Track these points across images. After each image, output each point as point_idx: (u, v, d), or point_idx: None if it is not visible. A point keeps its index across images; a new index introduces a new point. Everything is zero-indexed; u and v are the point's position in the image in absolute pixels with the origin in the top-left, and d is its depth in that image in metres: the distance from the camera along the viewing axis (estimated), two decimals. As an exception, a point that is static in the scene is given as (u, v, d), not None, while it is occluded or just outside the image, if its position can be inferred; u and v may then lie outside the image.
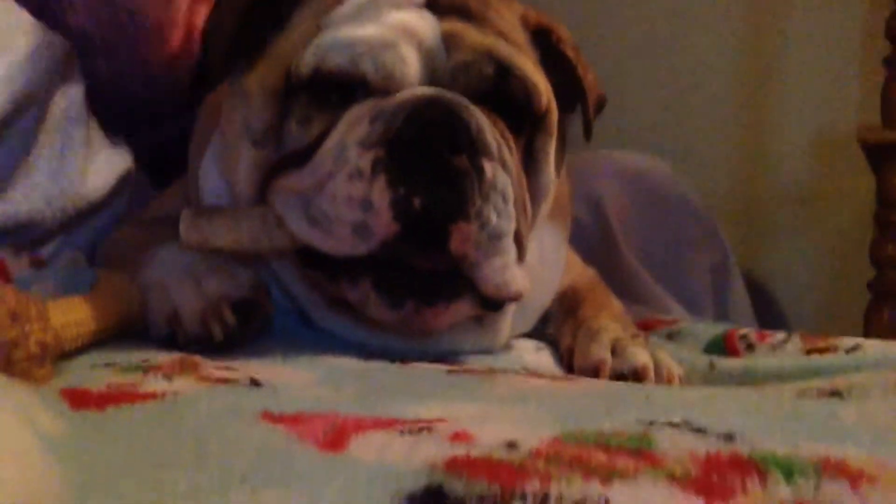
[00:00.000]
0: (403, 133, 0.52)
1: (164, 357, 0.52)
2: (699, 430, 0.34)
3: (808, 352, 0.69)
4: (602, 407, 0.42)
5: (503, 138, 0.57)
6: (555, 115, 0.62)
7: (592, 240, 1.05)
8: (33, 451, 0.31)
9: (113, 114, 0.82)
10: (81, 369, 0.49)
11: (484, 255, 0.54)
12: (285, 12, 0.60)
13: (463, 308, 0.56)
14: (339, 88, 0.56)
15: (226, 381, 0.46)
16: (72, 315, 0.51)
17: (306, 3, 0.60)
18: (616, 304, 0.77)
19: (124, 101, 0.90)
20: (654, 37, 1.61)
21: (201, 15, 0.93)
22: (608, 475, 0.30)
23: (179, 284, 0.57)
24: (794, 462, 0.31)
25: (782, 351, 0.72)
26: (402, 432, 0.35)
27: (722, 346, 0.76)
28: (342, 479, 0.30)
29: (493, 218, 0.53)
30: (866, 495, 0.29)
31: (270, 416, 0.38)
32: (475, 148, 0.53)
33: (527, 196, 0.60)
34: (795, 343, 0.72)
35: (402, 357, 0.60)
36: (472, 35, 0.57)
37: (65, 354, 0.50)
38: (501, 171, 0.55)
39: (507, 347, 0.69)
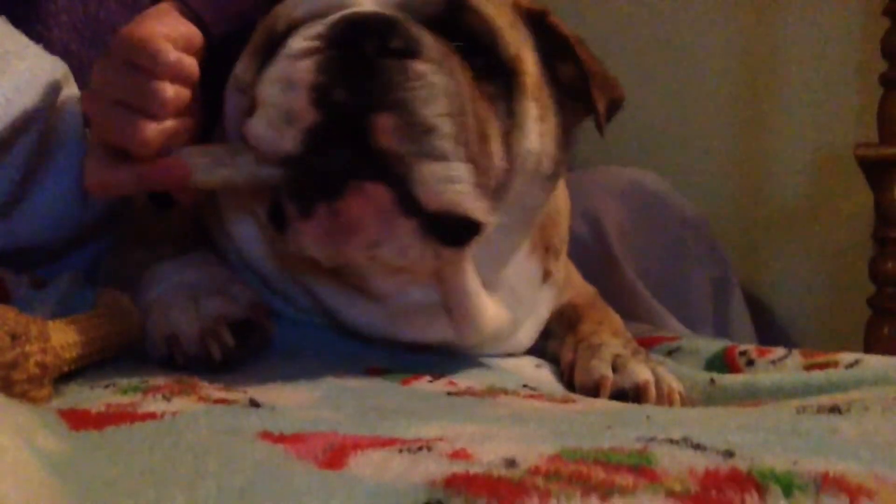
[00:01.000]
0: (339, 32, 0.53)
1: (162, 378, 0.52)
2: (699, 447, 0.34)
3: (808, 367, 0.69)
4: (602, 425, 0.42)
5: (458, 67, 0.55)
6: (533, 79, 0.61)
7: (591, 256, 1.06)
8: (33, 469, 0.31)
9: None
10: (80, 390, 0.49)
11: (415, 152, 0.51)
12: None
13: (378, 194, 0.51)
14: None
15: (225, 401, 0.46)
16: (72, 336, 0.51)
17: None
18: (616, 320, 0.77)
19: None
20: (652, 54, 1.62)
21: None
22: (607, 491, 0.30)
23: (178, 305, 0.57)
24: (794, 478, 0.30)
25: (782, 366, 0.72)
26: (401, 450, 0.35)
27: (722, 363, 0.76)
28: (341, 497, 0.30)
29: (422, 110, 0.51)
30: (866, 511, 0.29)
31: (269, 437, 0.38)
32: (409, 50, 0.52)
33: (494, 133, 0.57)
34: (795, 359, 0.72)
35: (402, 370, 0.60)
36: None
37: (64, 375, 0.50)
38: (441, 74, 0.53)
39: (507, 366, 0.69)
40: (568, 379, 0.69)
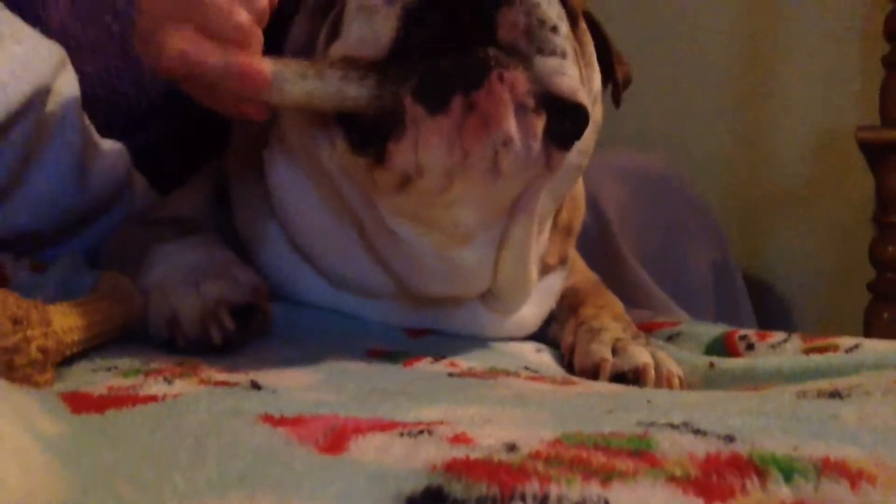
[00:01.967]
0: None
1: (164, 360, 0.52)
2: (699, 432, 0.34)
3: (808, 351, 0.69)
4: (602, 409, 0.42)
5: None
6: (582, 22, 0.61)
7: (591, 239, 1.06)
8: (34, 454, 0.31)
9: (102, 115, 0.82)
10: (82, 373, 0.49)
11: (537, 48, 0.51)
12: None
13: (518, 81, 0.50)
14: None
15: (226, 384, 0.46)
16: (73, 319, 0.51)
17: None
18: (617, 304, 0.78)
19: (114, 102, 0.90)
20: (653, 36, 1.62)
21: None
22: (608, 476, 0.30)
23: (178, 288, 0.57)
24: (794, 462, 0.31)
25: (782, 350, 0.72)
26: (401, 434, 0.35)
27: (722, 347, 0.76)
28: (341, 481, 0.30)
29: (545, 8, 0.52)
30: (866, 496, 0.29)
31: (270, 419, 0.38)
32: None
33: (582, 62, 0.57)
34: (795, 343, 0.72)
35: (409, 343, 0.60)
36: None
37: (66, 358, 0.50)
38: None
39: (508, 349, 0.70)
40: (568, 362, 0.69)
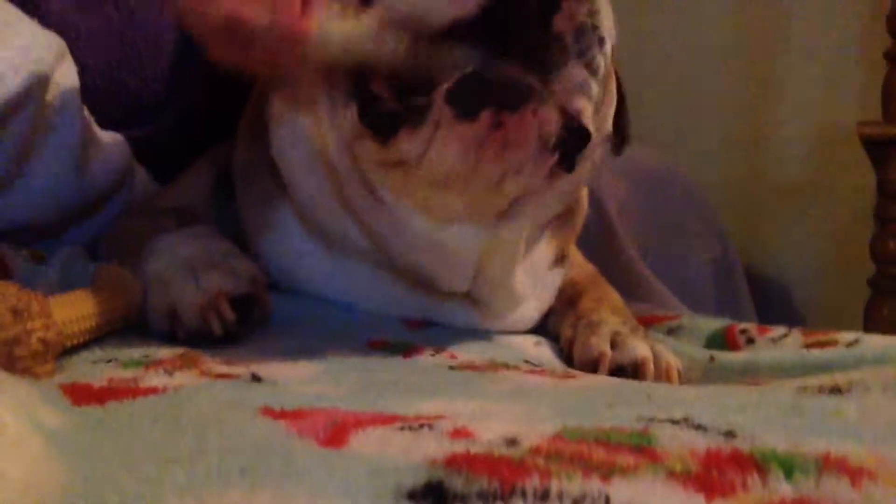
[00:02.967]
0: None
1: (165, 352, 0.52)
2: (700, 427, 0.34)
3: (808, 346, 0.69)
4: (603, 403, 0.42)
5: None
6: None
7: (591, 233, 1.05)
8: (35, 445, 0.31)
9: (103, 107, 0.82)
10: (83, 365, 0.49)
11: (580, 48, 0.51)
12: None
13: (549, 120, 0.51)
14: None
15: (227, 376, 0.46)
16: (74, 311, 0.51)
17: None
18: (615, 297, 0.77)
19: (114, 93, 0.89)
20: (654, 31, 1.61)
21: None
22: (608, 471, 0.30)
23: (178, 279, 0.57)
24: (795, 458, 0.31)
25: (782, 345, 0.72)
26: (402, 428, 0.35)
27: (723, 341, 0.76)
28: (342, 475, 0.30)
29: (602, 13, 0.52)
30: (867, 492, 0.29)
31: (271, 412, 0.38)
32: None
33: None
34: (795, 337, 0.72)
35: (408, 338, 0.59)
36: None
37: (66, 350, 0.50)
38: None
39: (508, 342, 0.70)
40: (567, 355, 0.69)
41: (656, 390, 0.49)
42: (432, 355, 0.60)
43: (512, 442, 0.33)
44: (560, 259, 0.74)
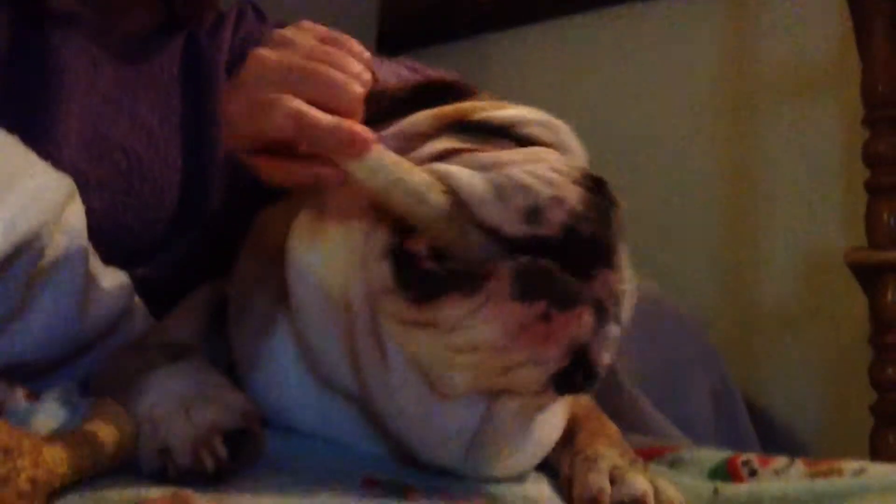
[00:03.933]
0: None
1: (155, 491, 0.51)
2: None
3: (812, 476, 0.68)
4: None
5: None
6: None
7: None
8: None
9: (106, 248, 0.84)
10: (71, 506, 0.48)
11: (614, 314, 0.55)
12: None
13: (584, 332, 0.54)
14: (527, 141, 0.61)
15: (218, 515, 0.45)
16: (65, 451, 0.50)
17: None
18: (613, 429, 0.76)
19: (118, 236, 0.92)
20: (639, 162, 1.67)
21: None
22: None
23: (169, 416, 0.57)
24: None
25: (786, 476, 0.70)
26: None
27: (725, 473, 0.75)
28: None
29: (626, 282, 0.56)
30: None
31: (262, 552, 0.37)
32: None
33: None
34: (799, 467, 0.71)
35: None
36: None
37: (54, 490, 0.49)
38: None
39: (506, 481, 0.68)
40: (567, 494, 0.67)
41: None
42: (429, 497, 0.58)
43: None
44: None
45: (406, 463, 0.64)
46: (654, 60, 1.72)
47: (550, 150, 0.59)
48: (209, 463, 0.55)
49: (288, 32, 0.60)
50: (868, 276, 1.27)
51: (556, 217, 0.52)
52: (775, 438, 1.47)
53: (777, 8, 1.61)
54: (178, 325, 0.77)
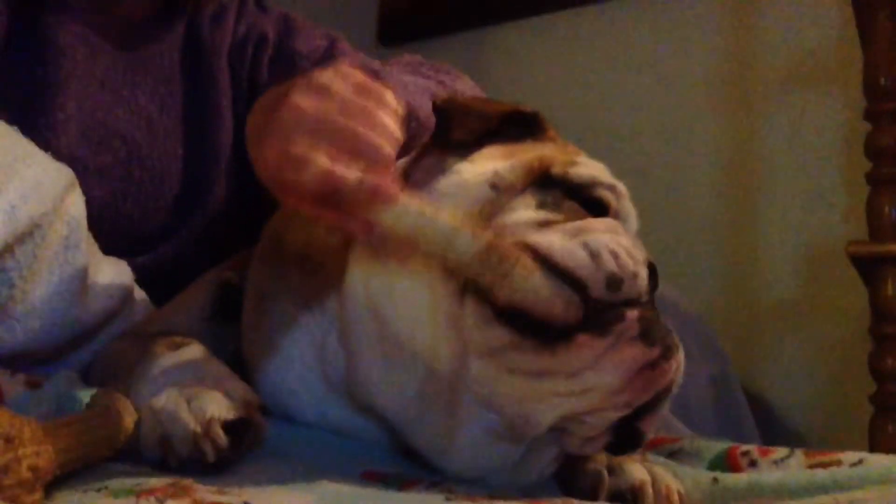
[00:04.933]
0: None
1: (156, 481, 0.51)
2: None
3: (812, 467, 0.68)
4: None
5: None
6: None
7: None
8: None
9: (106, 236, 0.84)
10: (72, 494, 0.48)
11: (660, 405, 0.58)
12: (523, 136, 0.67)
13: (672, 382, 0.58)
14: (598, 204, 0.63)
15: None
16: (66, 438, 0.51)
17: (544, 136, 0.68)
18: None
19: (118, 224, 0.92)
20: (641, 158, 1.67)
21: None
22: None
23: (169, 405, 0.57)
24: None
25: (785, 467, 0.70)
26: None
27: (725, 463, 0.75)
28: None
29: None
30: None
31: (262, 539, 0.37)
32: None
33: None
34: (798, 458, 0.71)
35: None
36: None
37: (55, 478, 0.49)
38: None
39: None
40: (566, 483, 0.67)
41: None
42: (427, 488, 0.58)
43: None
44: None
45: (408, 456, 0.64)
46: (653, 53, 1.71)
47: (618, 224, 0.61)
48: (210, 452, 0.55)
49: (325, 78, 0.60)
50: (869, 268, 1.27)
51: (633, 290, 0.55)
52: (775, 428, 1.48)
53: (778, 0, 1.60)
54: (179, 314, 0.77)
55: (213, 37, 1.01)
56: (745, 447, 0.77)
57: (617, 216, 0.62)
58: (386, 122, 0.59)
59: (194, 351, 0.66)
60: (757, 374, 1.55)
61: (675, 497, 0.61)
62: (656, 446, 0.82)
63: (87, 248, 0.77)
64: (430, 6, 2.03)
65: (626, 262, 0.56)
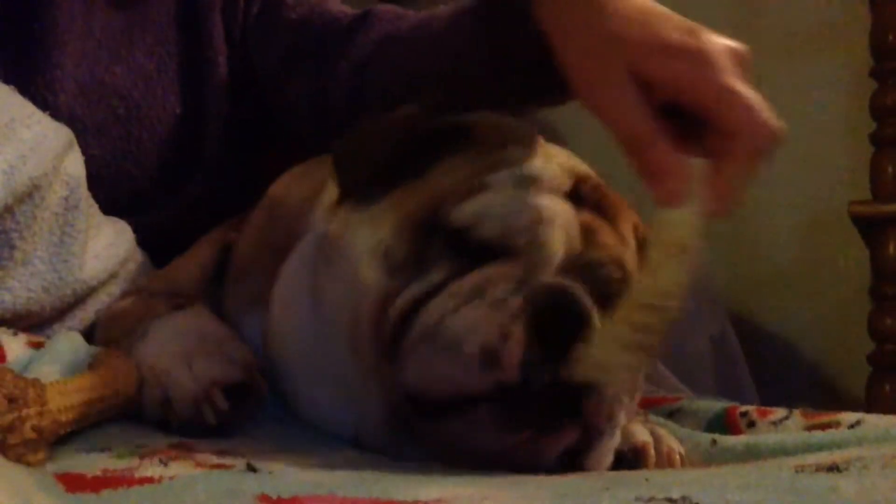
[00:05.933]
0: (542, 319, 0.51)
1: (159, 442, 0.51)
2: (698, 508, 0.34)
3: (810, 428, 0.68)
4: (600, 487, 0.42)
5: None
6: None
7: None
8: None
9: (106, 195, 0.83)
10: (76, 454, 0.48)
11: (603, 430, 0.53)
12: (435, 157, 0.59)
13: (568, 440, 0.52)
14: (480, 250, 0.55)
15: (222, 466, 0.46)
16: (69, 398, 0.51)
17: (458, 155, 0.59)
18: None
19: (118, 182, 0.91)
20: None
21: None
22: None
23: (171, 368, 0.57)
24: (794, 539, 0.30)
25: (784, 427, 0.71)
26: (398, 513, 0.34)
27: (723, 424, 0.76)
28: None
29: (615, 407, 0.53)
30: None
31: (268, 500, 0.38)
32: None
33: None
34: (796, 419, 0.71)
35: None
36: (607, 235, 0.57)
37: (59, 438, 0.50)
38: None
39: None
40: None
41: (654, 473, 0.49)
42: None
43: (508, 526, 0.32)
44: None
45: None
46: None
47: (503, 270, 0.54)
48: (210, 415, 0.55)
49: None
50: (870, 228, 1.27)
51: (498, 378, 0.50)
52: (773, 388, 1.49)
53: (783, -40, 1.57)
54: (182, 274, 0.77)
55: None
56: (743, 408, 0.77)
57: (516, 251, 0.54)
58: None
59: (196, 312, 0.66)
60: (757, 334, 1.56)
61: (677, 458, 0.61)
62: (656, 405, 0.83)
63: (87, 209, 0.77)
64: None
65: (493, 344, 0.50)
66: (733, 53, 0.57)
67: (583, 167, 0.62)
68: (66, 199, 0.74)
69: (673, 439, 0.63)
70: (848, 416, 0.68)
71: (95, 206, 0.80)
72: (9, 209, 0.69)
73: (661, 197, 0.54)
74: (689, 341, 1.15)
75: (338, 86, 0.89)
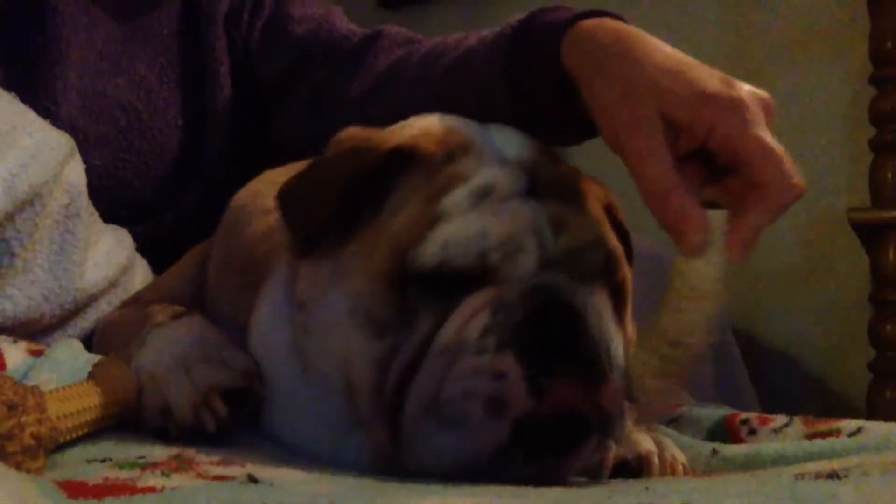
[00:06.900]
0: (526, 329, 0.51)
1: (160, 453, 0.51)
2: (699, 517, 0.34)
3: (811, 436, 0.68)
4: (602, 494, 0.42)
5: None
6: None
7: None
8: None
9: (107, 205, 0.84)
10: (76, 464, 0.48)
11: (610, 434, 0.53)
12: (387, 187, 0.57)
13: (587, 453, 0.51)
14: (459, 280, 0.53)
15: (223, 477, 0.46)
16: (68, 406, 0.51)
17: (408, 181, 0.56)
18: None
19: (119, 192, 0.92)
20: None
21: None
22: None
23: (169, 376, 0.57)
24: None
25: (784, 435, 0.71)
26: (399, 523, 0.34)
27: (724, 431, 0.75)
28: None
29: (619, 419, 0.53)
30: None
31: (268, 509, 0.37)
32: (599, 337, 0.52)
33: None
34: (797, 427, 0.71)
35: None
36: (576, 219, 0.57)
37: (59, 447, 0.49)
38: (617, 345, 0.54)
39: None
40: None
41: (655, 481, 0.49)
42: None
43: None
44: None
45: None
46: (656, 17, 1.69)
47: (477, 302, 0.52)
48: (209, 422, 0.55)
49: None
50: (870, 234, 1.27)
51: (517, 403, 0.49)
52: (775, 394, 1.49)
53: (784, -38, 1.58)
54: (180, 282, 0.77)
55: (210, 3, 1.00)
56: (744, 415, 0.77)
57: (493, 268, 0.53)
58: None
59: (194, 320, 0.66)
60: (757, 341, 1.56)
61: (680, 468, 0.61)
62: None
63: (88, 217, 0.77)
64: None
65: (494, 392, 0.49)
66: (763, 104, 0.58)
67: (536, 145, 0.61)
68: (66, 206, 0.74)
69: (676, 449, 0.63)
70: (849, 424, 0.68)
71: (96, 215, 0.81)
72: (9, 217, 0.69)
73: (683, 248, 0.55)
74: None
75: (343, 106, 0.88)
